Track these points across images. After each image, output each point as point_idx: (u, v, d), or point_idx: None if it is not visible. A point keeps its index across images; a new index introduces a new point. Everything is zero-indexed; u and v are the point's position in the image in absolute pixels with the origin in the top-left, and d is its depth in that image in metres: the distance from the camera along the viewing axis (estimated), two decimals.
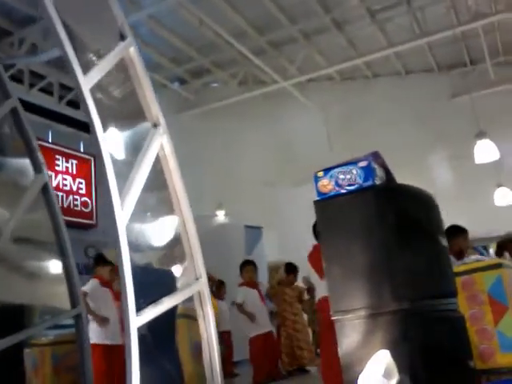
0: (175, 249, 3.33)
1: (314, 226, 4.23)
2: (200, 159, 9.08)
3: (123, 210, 2.19)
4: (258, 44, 9.12)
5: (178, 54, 9.52)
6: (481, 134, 7.37)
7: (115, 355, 4.31)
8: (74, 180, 6.79)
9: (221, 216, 9.26)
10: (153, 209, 3.04)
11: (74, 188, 6.72)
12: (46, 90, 9.30)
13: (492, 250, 7.75)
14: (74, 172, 6.89)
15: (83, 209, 6.76)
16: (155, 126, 2.56)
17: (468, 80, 9.40)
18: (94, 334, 4.15)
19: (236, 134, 10.51)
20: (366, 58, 9.29)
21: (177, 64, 9.86)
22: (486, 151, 7.31)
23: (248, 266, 5.83)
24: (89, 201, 6.96)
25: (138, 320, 2.12)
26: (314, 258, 3.98)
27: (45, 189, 2.76)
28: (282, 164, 10.20)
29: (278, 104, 10.32)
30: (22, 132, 2.79)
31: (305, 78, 9.82)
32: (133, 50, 2.49)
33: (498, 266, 3.12)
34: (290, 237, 8.54)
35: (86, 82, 2.16)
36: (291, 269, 6.52)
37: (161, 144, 2.57)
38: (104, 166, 2.15)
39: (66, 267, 2.85)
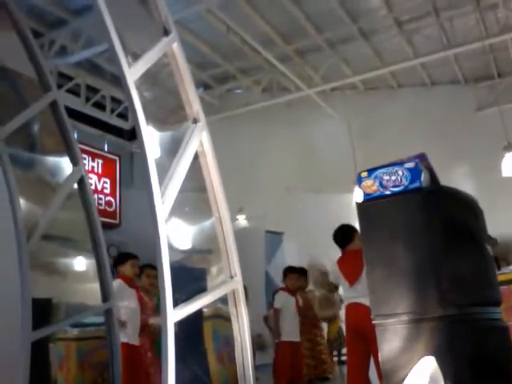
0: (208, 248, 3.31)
1: (335, 235, 4.18)
2: (222, 163, 9.04)
3: (163, 205, 2.17)
4: (283, 51, 9.13)
5: (203, 60, 9.56)
6: (509, 147, 7.27)
7: (132, 353, 4.29)
8: (99, 179, 6.84)
9: (241, 220, 9.23)
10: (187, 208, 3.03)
11: (99, 187, 6.76)
12: (73, 91, 9.42)
13: None
14: (100, 171, 6.93)
15: (107, 208, 6.79)
16: (195, 121, 2.55)
17: (495, 93, 9.30)
18: None
19: (259, 139, 10.50)
20: (391, 68, 9.23)
21: (202, 69, 9.90)
22: None
23: (292, 273, 5.80)
24: (113, 200, 6.99)
25: (175, 314, 2.09)
26: (344, 264, 3.91)
27: (81, 181, 2.76)
28: (304, 171, 10.15)
29: (301, 111, 10.29)
30: (61, 125, 2.80)
31: (329, 87, 9.79)
32: (176, 46, 2.49)
33: None
34: (311, 243, 8.47)
35: (131, 74, 2.16)
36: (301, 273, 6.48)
37: (200, 140, 2.56)
38: (146, 157, 2.14)
39: (98, 260, 2.84)
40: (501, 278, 3.13)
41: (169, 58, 2.51)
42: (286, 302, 5.56)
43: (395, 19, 8.34)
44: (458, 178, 8.93)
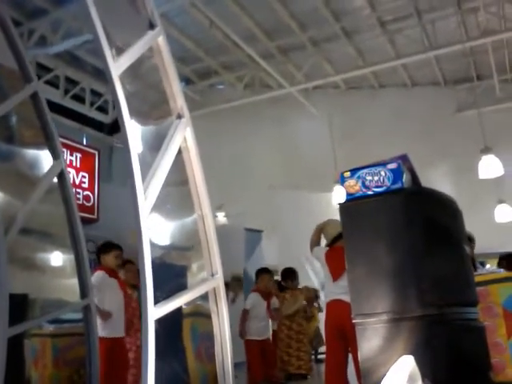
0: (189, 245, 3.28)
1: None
2: (202, 159, 8.97)
3: (146, 200, 2.15)
4: (266, 48, 9.13)
5: (186, 54, 9.50)
6: (486, 150, 7.39)
7: (117, 348, 4.24)
8: (77, 173, 6.72)
9: (221, 217, 9.21)
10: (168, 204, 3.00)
11: (77, 181, 6.65)
12: (52, 83, 9.26)
13: (489, 266, 7.79)
14: (78, 165, 6.82)
15: (85, 203, 6.69)
16: (179, 117, 2.53)
17: (474, 95, 9.45)
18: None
19: (240, 136, 10.50)
20: (373, 68, 9.31)
21: (184, 64, 9.84)
22: (490, 167, 7.32)
23: (265, 274, 5.73)
24: (91, 195, 6.89)
25: (156, 312, 2.07)
26: (332, 258, 3.90)
27: (61, 175, 2.72)
28: (284, 169, 10.19)
29: (283, 109, 10.31)
30: (41, 117, 2.75)
31: (311, 85, 9.82)
32: (161, 40, 2.46)
33: None
34: (290, 241, 8.50)
35: (116, 68, 2.12)
36: (288, 274, 6.47)
37: (184, 136, 2.54)
38: (129, 152, 2.11)
39: (77, 256, 2.80)
40: (477, 278, 3.17)
41: (153, 52, 2.48)
42: (256, 303, 5.53)
43: (378, 19, 8.41)
44: (437, 178, 9.06)
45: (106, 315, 4.20)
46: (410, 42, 8.74)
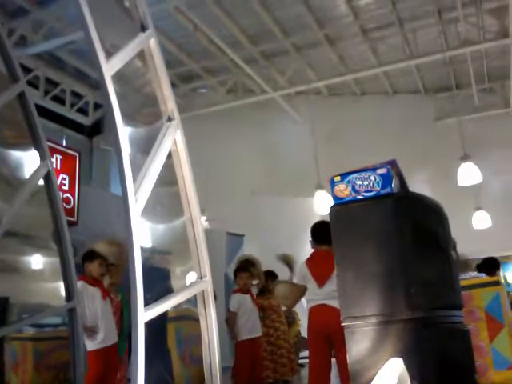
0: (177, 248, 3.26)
1: (313, 230, 4.08)
2: None
3: (137, 202, 2.14)
4: (250, 53, 9.16)
5: (168, 58, 9.46)
6: (465, 157, 7.54)
7: (109, 356, 4.15)
8: (57, 175, 6.61)
9: (202, 221, 9.18)
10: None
11: (57, 183, 6.54)
12: (32, 84, 9.13)
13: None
14: (59, 167, 6.71)
15: (65, 205, 6.57)
16: (169, 119, 2.52)
17: (453, 104, 9.64)
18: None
19: (223, 140, 10.49)
20: (355, 75, 9.42)
21: (167, 67, 9.77)
22: (469, 174, 7.47)
23: (243, 272, 5.71)
24: (71, 197, 6.79)
25: (145, 315, 2.06)
26: (314, 265, 3.89)
27: (47, 176, 2.68)
28: (267, 173, 10.21)
29: (265, 114, 10.35)
30: (28, 118, 2.72)
31: (294, 91, 9.89)
32: (153, 42, 2.46)
33: (497, 283, 3.16)
34: (272, 246, 8.51)
35: (109, 69, 2.11)
36: (268, 276, 6.47)
37: (174, 139, 2.54)
38: (120, 155, 2.09)
39: (62, 258, 2.76)
40: (461, 283, 3.23)
41: (144, 55, 2.48)
42: (241, 302, 5.50)
43: (361, 27, 8.51)
44: (417, 184, 9.13)
45: (89, 331, 4.07)
46: (392, 51, 8.88)
